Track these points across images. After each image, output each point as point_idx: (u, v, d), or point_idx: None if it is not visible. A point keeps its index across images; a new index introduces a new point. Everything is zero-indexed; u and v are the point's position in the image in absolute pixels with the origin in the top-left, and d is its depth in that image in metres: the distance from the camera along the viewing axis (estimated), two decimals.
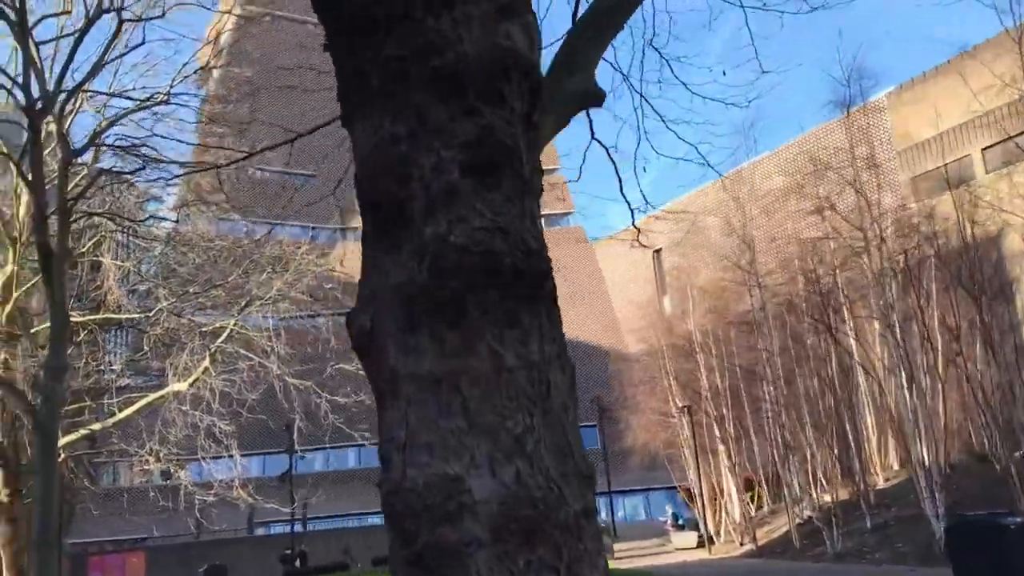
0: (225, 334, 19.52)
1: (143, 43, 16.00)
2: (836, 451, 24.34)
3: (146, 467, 22.01)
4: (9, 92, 15.24)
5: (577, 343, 72.88)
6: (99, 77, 16.66)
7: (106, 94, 16.63)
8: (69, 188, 15.86)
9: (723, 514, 30.65)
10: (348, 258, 24.74)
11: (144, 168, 15.55)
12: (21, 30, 14.44)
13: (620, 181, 8.80)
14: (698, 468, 28.93)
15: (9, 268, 19.69)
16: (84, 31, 15.00)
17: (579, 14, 5.69)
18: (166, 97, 16.77)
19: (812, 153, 29.78)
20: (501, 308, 2.34)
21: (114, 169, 16.33)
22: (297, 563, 30.45)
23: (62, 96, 15.30)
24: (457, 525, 2.23)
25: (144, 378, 20.58)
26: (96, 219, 18.91)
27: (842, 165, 23.55)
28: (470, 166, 2.32)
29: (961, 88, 22.87)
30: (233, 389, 19.42)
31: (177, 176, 13.59)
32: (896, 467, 26.91)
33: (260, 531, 41.44)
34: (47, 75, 15.40)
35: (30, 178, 14.38)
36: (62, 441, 19.97)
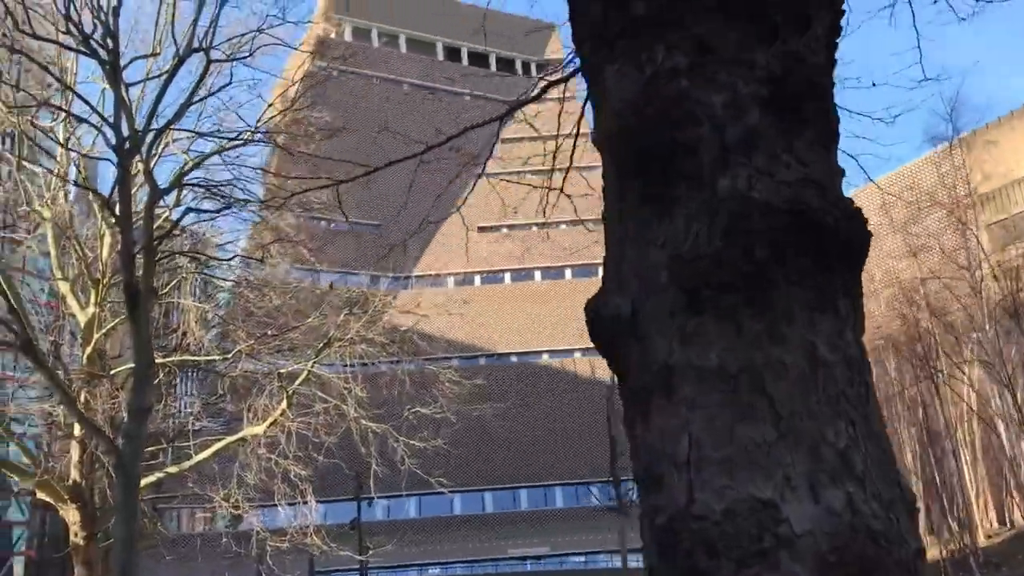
0: (302, 377, 19.26)
1: (230, 83, 16.06)
2: (939, 503, 22.92)
3: (219, 511, 21.74)
4: (99, 131, 15.41)
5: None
6: (183, 118, 16.77)
7: (194, 133, 16.72)
8: (154, 227, 15.87)
9: None
10: (421, 305, 24.61)
11: (230, 207, 15.52)
12: (113, 72, 14.60)
13: None
14: None
15: (91, 309, 19.83)
16: (174, 71, 15.13)
17: None
18: (250, 137, 16.81)
19: (911, 187, 28.51)
20: (812, 285, 1.81)
21: (200, 208, 16.32)
22: None
23: (150, 136, 15.38)
24: (772, 564, 1.68)
25: (219, 421, 20.39)
26: (172, 261, 19.00)
27: (938, 204, 22.53)
28: (774, 104, 1.82)
29: None
30: (309, 432, 19.09)
31: (288, 197, 13.30)
32: (996, 524, 25.31)
33: None
34: (134, 115, 15.58)
35: (118, 214, 14.41)
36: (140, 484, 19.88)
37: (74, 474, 19.25)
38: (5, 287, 16.12)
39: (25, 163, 19.85)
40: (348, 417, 19.01)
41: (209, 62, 15.68)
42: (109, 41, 14.56)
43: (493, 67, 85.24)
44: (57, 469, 18.61)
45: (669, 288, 1.84)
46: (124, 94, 14.96)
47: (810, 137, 1.84)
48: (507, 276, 75.72)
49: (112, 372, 19.11)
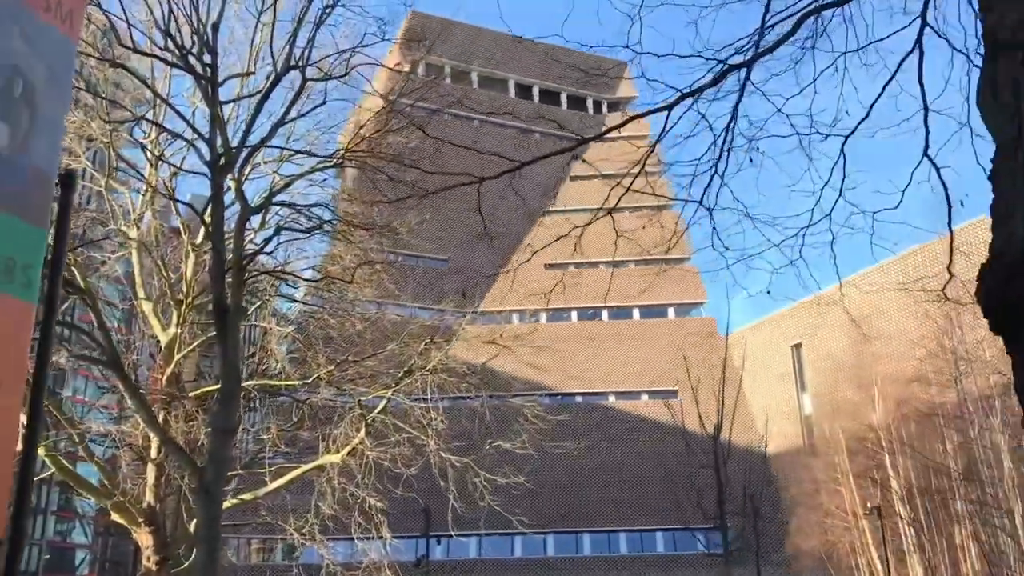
0: (382, 405, 18.71)
1: (324, 103, 15.78)
2: None
3: (288, 541, 21.20)
4: (193, 147, 15.23)
5: (705, 438, 69.69)
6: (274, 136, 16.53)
7: (291, 151, 16.44)
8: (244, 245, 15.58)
9: None
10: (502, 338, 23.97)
11: (321, 227, 15.16)
12: (211, 88, 14.42)
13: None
14: None
15: (173, 330, 19.64)
16: (271, 88, 14.89)
17: None
18: (341, 158, 16.49)
19: None
20: None
21: (293, 227, 15.98)
22: None
23: (243, 154, 15.14)
24: None
25: (295, 450, 19.93)
26: (252, 283, 18.71)
27: None
28: None
29: None
30: (387, 460, 18.47)
31: (420, 193, 12.78)
32: None
33: None
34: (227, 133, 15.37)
35: (211, 230, 14.14)
36: None
37: (149, 497, 18.92)
38: (93, 305, 15.96)
39: (112, 182, 19.86)
40: (428, 448, 18.32)
41: (305, 80, 15.43)
42: (207, 56, 14.42)
43: (564, 104, 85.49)
44: (133, 492, 18.28)
45: None
46: (219, 111, 14.78)
47: None
48: (573, 315, 74.93)
49: (191, 393, 18.79)
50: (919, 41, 6.24)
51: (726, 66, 6.82)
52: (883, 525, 24.44)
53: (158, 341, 20.79)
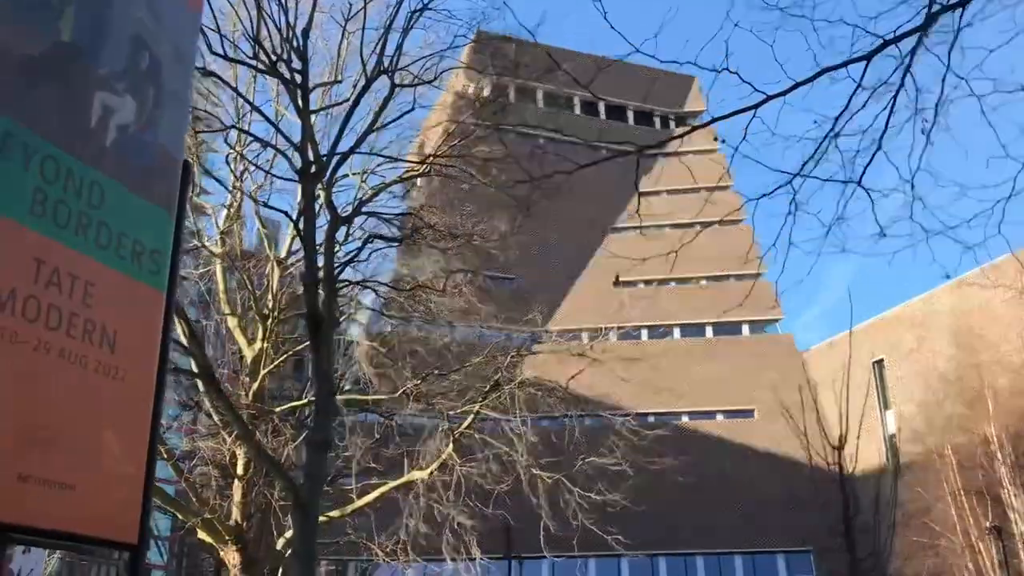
0: (470, 419, 18.19)
1: (413, 109, 15.45)
2: None
3: (373, 560, 20.77)
4: (283, 155, 15.03)
5: (784, 458, 67.75)
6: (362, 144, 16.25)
7: (381, 156, 16.16)
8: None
9: None
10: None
11: (413, 236, 14.78)
12: (301, 95, 14.21)
13: None
14: None
15: (259, 345, 19.48)
16: (360, 94, 14.62)
17: None
18: (429, 165, 16.15)
19: None
20: None
21: (384, 236, 15.63)
22: None
23: (334, 161, 14.86)
24: None
25: (380, 466, 19.51)
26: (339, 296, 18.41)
27: None
28: None
29: None
30: (476, 475, 17.92)
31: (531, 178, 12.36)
32: None
33: None
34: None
35: (303, 239, 13.85)
36: (291, 532, 19.13)
37: (236, 515, 18.69)
38: (184, 318, 15.80)
39: (196, 198, 19.85)
40: (519, 464, 17.72)
41: (393, 86, 15.13)
42: (297, 63, 14.22)
43: (631, 120, 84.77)
44: (222, 510, 18.05)
45: None
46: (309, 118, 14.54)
47: None
48: (644, 333, 73.75)
49: (278, 409, 18.55)
50: None
51: (893, 35, 6.11)
52: (1003, 545, 22.80)
53: (241, 357, 20.68)
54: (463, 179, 17.03)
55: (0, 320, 4.02)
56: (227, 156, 18.17)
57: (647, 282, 74.91)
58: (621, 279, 79.54)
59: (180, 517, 18.40)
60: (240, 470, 18.52)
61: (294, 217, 14.61)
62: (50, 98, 4.48)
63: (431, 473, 17.63)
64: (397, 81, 15.12)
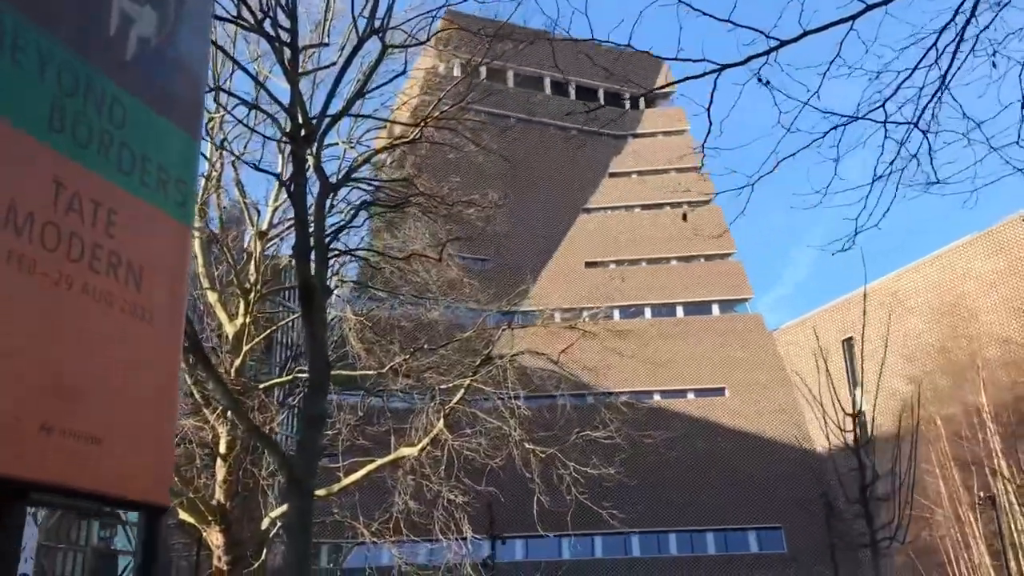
0: (461, 393, 17.74)
1: (404, 72, 14.84)
2: None
3: (359, 541, 20.28)
4: (271, 117, 14.39)
5: (756, 436, 68.21)
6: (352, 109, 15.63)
7: (375, 118, 15.55)
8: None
9: None
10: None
11: (408, 202, 14.21)
12: (291, 56, 13.57)
13: None
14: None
15: (240, 320, 18.83)
16: (352, 56, 14.00)
17: None
18: (420, 131, 15.55)
19: None
20: None
21: (379, 202, 15.03)
22: None
23: (324, 124, 14.24)
24: None
25: (369, 443, 19.00)
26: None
27: None
28: None
29: None
30: (467, 451, 17.47)
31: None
32: None
33: None
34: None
35: (295, 205, 13.23)
36: (276, 512, 18.58)
37: (219, 495, 18.11)
38: None
39: None
40: (511, 439, 17.31)
41: (385, 47, 14.52)
42: (286, 21, 13.56)
43: (601, 100, 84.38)
44: (207, 489, 17.44)
45: None
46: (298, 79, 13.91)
47: None
48: (616, 313, 73.62)
49: (261, 385, 17.94)
50: None
51: None
52: (996, 516, 22.72)
53: (220, 333, 20.01)
54: (453, 146, 16.51)
55: (17, 247, 3.47)
56: (207, 122, 17.41)
57: (618, 262, 74.92)
58: (591, 260, 79.60)
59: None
60: (223, 448, 17.91)
61: (284, 181, 13.95)
62: None
63: (422, 449, 17.15)
64: (388, 42, 14.53)
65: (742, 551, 64.17)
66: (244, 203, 19.09)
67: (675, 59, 6.56)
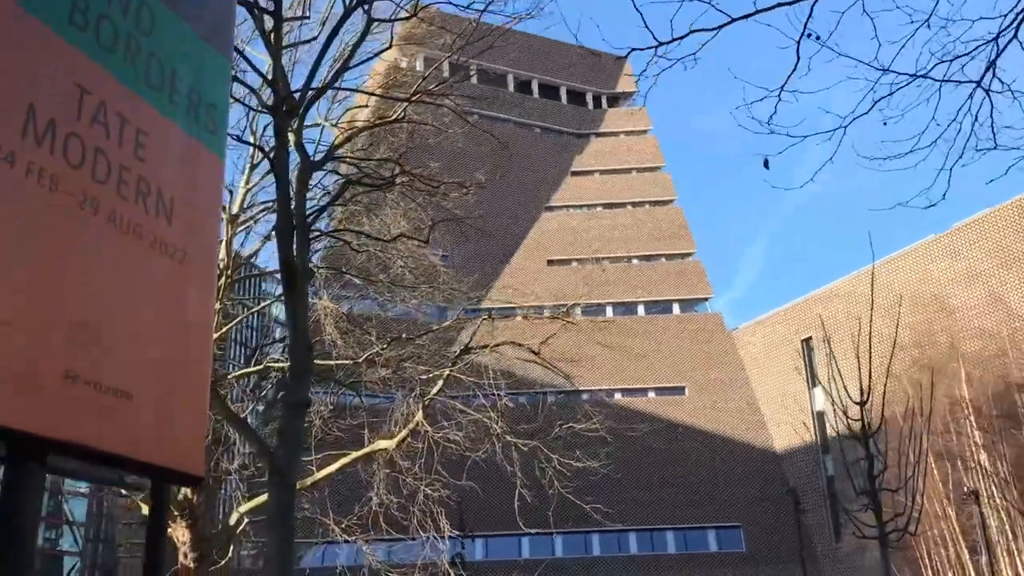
0: (439, 385, 17.16)
1: (390, 46, 14.23)
2: None
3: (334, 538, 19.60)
4: (252, 90, 13.68)
5: (715, 435, 68.48)
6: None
7: (362, 91, 14.89)
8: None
9: None
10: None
11: (394, 181, 13.61)
12: (276, 26, 12.90)
13: None
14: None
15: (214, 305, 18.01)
16: (338, 27, 13.37)
17: None
18: (406, 107, 14.95)
19: None
20: None
21: (363, 181, 14.38)
22: None
23: (308, 97, 13.58)
24: None
25: (345, 436, 18.31)
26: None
27: None
28: None
29: None
30: (446, 442, 16.91)
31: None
32: None
33: None
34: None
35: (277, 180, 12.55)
36: (246, 506, 17.86)
37: (185, 489, 17.29)
38: None
39: None
40: (492, 432, 16.80)
41: (371, 21, 13.91)
42: None
43: (564, 99, 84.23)
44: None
45: None
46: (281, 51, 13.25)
47: None
48: (577, 311, 73.40)
49: (233, 374, 17.17)
50: None
51: None
52: (981, 512, 22.61)
53: None
54: (438, 127, 15.95)
55: (37, 158, 2.87)
56: None
57: (580, 261, 74.78)
58: (554, 258, 79.35)
59: (125, 493, 16.90)
60: None
61: (267, 152, 13.26)
62: None
63: (401, 441, 16.54)
64: (375, 15, 13.92)
65: (701, 550, 64.38)
66: (264, 152, 18.29)
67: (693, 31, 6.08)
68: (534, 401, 21.09)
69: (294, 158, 13.86)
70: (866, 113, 5.75)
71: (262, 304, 18.14)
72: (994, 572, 23.57)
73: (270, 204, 18.09)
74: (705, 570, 61.49)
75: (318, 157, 16.00)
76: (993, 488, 23.79)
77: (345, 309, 18.97)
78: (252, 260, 21.70)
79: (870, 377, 14.28)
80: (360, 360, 17.22)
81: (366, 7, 13.83)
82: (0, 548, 2.70)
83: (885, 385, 14.81)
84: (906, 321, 17.30)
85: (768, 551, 62.59)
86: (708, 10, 5.47)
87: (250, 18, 13.55)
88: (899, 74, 5.88)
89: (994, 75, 5.98)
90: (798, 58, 5.75)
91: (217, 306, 17.79)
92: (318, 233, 14.86)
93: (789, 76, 5.59)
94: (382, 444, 17.28)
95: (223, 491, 17.79)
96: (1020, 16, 5.69)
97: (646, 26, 5.46)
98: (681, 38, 5.60)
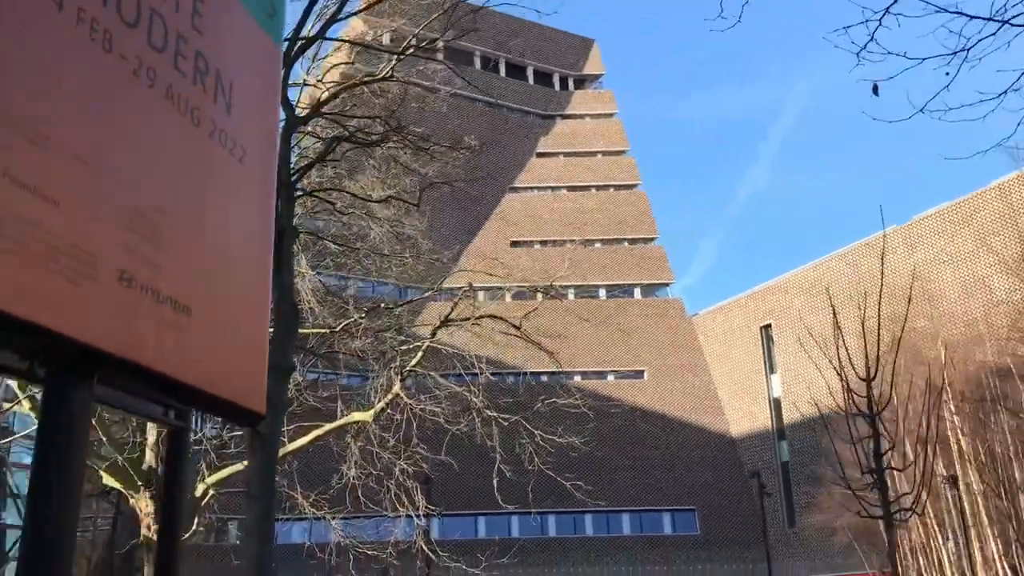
0: (419, 356, 16.63)
1: (369, 7, 13.59)
2: None
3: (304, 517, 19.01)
4: None
5: (673, 419, 68.80)
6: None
7: (352, 43, 14.19)
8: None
9: None
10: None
11: (386, 138, 13.00)
12: None
13: None
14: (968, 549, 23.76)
15: None
16: None
17: None
18: (393, 65, 14.32)
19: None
20: None
21: (354, 138, 13.71)
22: None
23: (295, 49, 12.88)
24: None
25: (322, 406, 17.69)
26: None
27: None
28: None
29: None
30: (425, 413, 16.39)
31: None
32: None
33: None
34: None
35: None
36: (214, 478, 17.21)
37: (149, 458, 16.56)
38: None
39: None
40: (473, 406, 16.32)
41: None
42: None
43: (531, 79, 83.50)
44: (135, 454, 15.88)
45: None
46: None
47: None
48: (538, 294, 73.09)
49: None
50: None
51: None
52: (959, 496, 22.54)
53: None
54: (427, 88, 15.35)
55: (86, 6, 2.29)
56: None
57: (543, 243, 74.45)
58: (517, 239, 78.89)
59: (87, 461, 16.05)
60: None
61: None
62: None
63: (380, 412, 15.97)
64: None
65: (657, 532, 64.78)
66: None
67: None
68: (503, 383, 20.68)
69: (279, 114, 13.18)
70: (955, 53, 5.31)
71: None
72: (970, 557, 23.78)
73: None
74: (660, 552, 61.89)
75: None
76: (971, 474, 23.93)
77: (322, 279, 18.29)
78: None
79: (878, 351, 14.07)
80: (337, 329, 16.60)
81: None
82: (43, 496, 2.16)
83: (895, 360, 14.63)
84: (886, 311, 17.24)
85: (722, 535, 63.23)
86: None
87: None
88: (980, 19, 5.47)
89: None
90: None
91: None
92: (301, 193, 14.18)
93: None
94: (358, 416, 16.72)
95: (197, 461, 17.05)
96: None
97: None
98: None
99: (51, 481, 2.17)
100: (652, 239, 77.75)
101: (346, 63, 19.51)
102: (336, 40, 14.37)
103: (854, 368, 14.66)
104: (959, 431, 23.59)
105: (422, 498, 17.03)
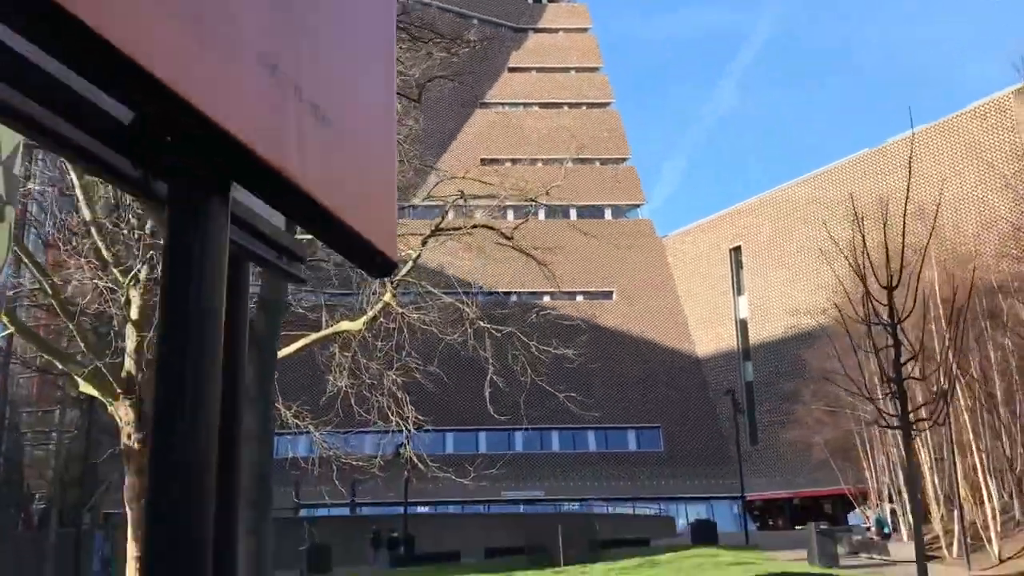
0: (409, 266, 16.10)
1: None
2: None
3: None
4: None
5: (640, 339, 69.41)
6: None
7: None
8: None
9: (955, 523, 26.08)
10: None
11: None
12: None
13: None
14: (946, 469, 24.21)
15: None
16: None
17: None
18: None
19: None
20: None
21: None
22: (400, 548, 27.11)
23: None
24: None
25: (307, 313, 17.16)
26: None
27: None
28: None
29: None
30: (417, 321, 15.97)
31: None
32: None
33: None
34: None
35: None
36: None
37: (128, 365, 15.94)
38: None
39: None
40: (466, 317, 15.92)
41: None
42: None
43: None
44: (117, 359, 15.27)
45: None
46: None
47: None
48: (510, 213, 72.51)
49: None
50: None
51: None
52: (948, 413, 22.61)
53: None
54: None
55: None
56: None
57: (514, 160, 73.41)
58: (487, 156, 77.93)
59: (61, 366, 15.51)
60: (135, 314, 15.67)
61: None
62: None
63: (370, 322, 15.49)
64: None
65: (621, 449, 65.98)
66: None
67: None
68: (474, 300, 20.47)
69: None
70: None
71: None
72: (955, 467, 24.40)
73: None
74: (624, 468, 63.17)
75: None
76: (960, 388, 24.24)
77: None
78: None
79: (902, 260, 13.82)
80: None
81: None
82: (171, 327, 1.63)
83: (921, 266, 14.43)
84: (876, 223, 16.98)
85: (685, 452, 64.63)
86: None
87: None
88: None
89: None
90: None
91: None
92: None
93: None
94: (346, 326, 16.22)
95: None
96: None
97: None
98: None
99: (189, 325, 1.64)
100: (624, 159, 77.08)
101: None
102: None
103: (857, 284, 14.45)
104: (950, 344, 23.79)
105: (411, 409, 16.70)
